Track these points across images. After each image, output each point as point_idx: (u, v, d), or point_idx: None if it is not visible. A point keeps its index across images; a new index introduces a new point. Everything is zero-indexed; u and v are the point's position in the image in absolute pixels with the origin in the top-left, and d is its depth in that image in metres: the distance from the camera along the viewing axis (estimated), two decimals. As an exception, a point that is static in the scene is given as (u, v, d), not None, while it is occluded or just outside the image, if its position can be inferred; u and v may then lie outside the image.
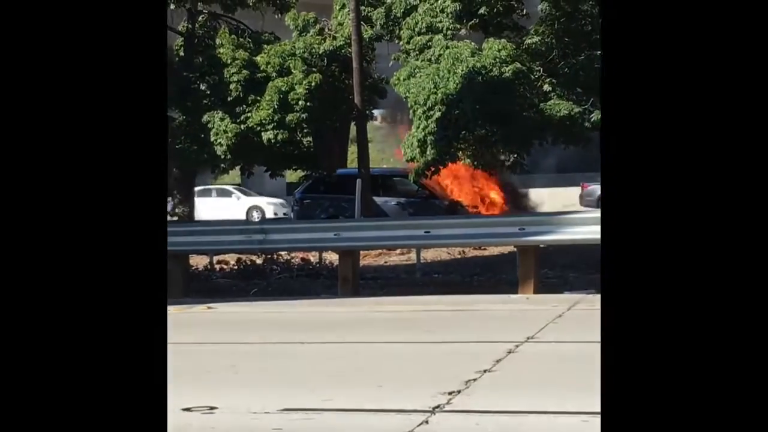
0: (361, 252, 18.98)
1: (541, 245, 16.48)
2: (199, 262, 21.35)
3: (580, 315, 11.64)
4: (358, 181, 19.60)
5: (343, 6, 21.68)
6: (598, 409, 3.94)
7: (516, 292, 15.31)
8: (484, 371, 7.84)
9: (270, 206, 35.80)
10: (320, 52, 21.19)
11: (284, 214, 33.82)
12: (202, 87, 21.17)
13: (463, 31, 20.79)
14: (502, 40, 20.11)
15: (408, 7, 21.27)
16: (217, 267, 21.32)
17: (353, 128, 21.42)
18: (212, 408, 6.86)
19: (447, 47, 19.87)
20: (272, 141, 20.05)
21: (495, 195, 30.47)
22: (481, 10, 20.69)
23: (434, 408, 6.58)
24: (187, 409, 6.82)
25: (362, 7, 20.93)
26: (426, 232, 17.03)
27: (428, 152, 19.42)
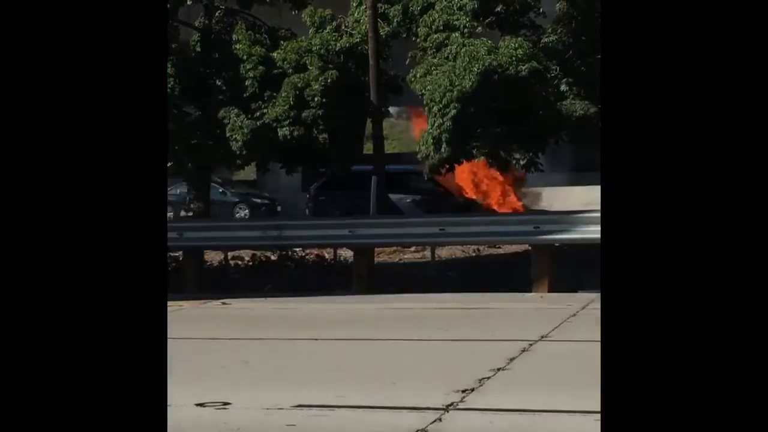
0: (376, 249, 18.97)
1: (556, 244, 16.47)
2: (213, 257, 21.40)
3: (595, 314, 11.61)
4: (374, 178, 19.58)
5: (360, 3, 21.64)
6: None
7: (530, 291, 15.30)
8: (498, 369, 7.84)
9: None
10: (336, 49, 21.17)
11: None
12: (218, 83, 21.16)
13: (479, 29, 20.75)
14: (519, 38, 20.07)
15: (425, 4, 21.26)
16: (232, 263, 21.36)
17: (369, 125, 21.40)
18: (225, 403, 6.87)
19: (464, 45, 19.85)
20: (288, 137, 20.04)
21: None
22: (498, 8, 20.68)
23: (448, 406, 6.57)
24: (201, 404, 6.82)
25: (379, 5, 20.92)
26: (441, 229, 17.03)
27: (443, 149, 19.39)
